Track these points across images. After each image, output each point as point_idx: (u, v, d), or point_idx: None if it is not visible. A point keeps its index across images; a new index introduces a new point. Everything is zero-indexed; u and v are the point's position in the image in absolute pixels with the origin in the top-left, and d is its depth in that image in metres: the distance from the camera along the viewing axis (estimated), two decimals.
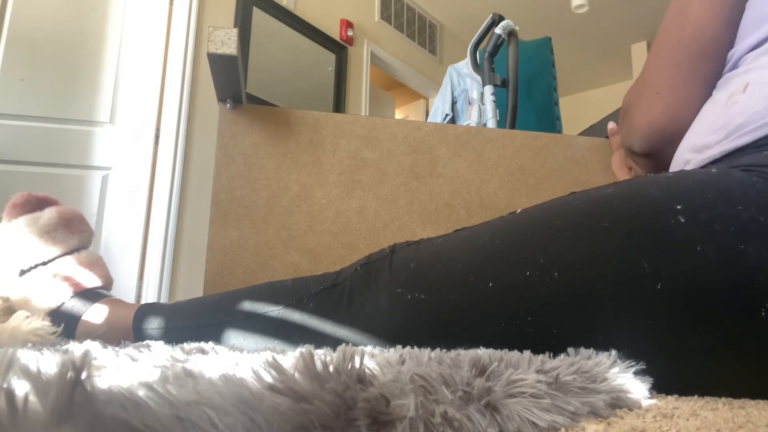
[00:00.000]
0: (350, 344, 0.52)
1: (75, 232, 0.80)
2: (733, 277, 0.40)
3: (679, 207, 0.43)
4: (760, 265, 0.39)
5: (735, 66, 0.60)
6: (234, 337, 0.65)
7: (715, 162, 0.53)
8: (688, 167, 0.57)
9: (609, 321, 0.44)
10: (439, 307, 0.52)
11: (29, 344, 0.63)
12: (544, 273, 0.46)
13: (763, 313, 0.39)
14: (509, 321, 0.48)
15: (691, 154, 0.58)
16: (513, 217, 0.54)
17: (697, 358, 0.42)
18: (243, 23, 2.83)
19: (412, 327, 0.54)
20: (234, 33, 0.95)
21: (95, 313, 0.76)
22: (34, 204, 0.81)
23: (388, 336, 0.55)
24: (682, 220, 0.42)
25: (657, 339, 0.42)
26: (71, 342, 0.67)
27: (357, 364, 0.23)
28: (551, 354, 0.40)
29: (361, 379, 0.23)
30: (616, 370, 0.36)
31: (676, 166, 0.62)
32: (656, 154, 0.66)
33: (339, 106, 3.34)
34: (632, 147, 0.69)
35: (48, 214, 0.79)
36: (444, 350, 0.45)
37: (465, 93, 2.20)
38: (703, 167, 0.55)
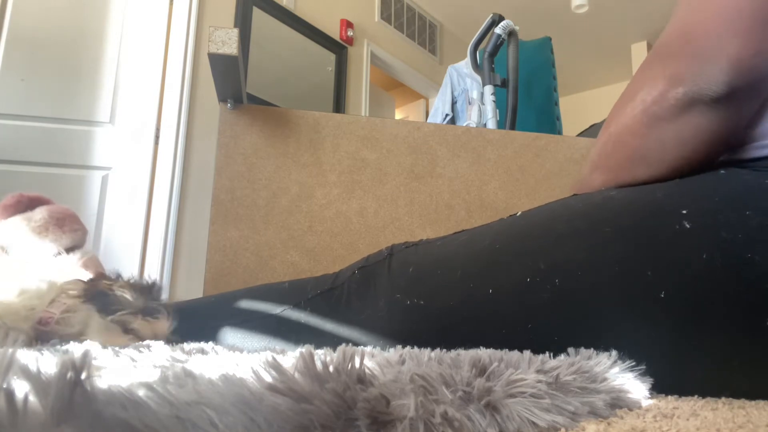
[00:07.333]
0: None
1: (67, 231, 0.80)
2: (739, 286, 0.38)
3: (684, 212, 0.41)
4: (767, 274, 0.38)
5: None
6: (231, 339, 0.64)
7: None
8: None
9: (611, 329, 0.43)
10: (439, 313, 0.51)
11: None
12: (545, 280, 0.45)
13: None
14: (509, 329, 0.47)
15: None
16: (513, 221, 0.53)
17: (700, 366, 0.41)
18: (243, 23, 2.82)
19: (411, 333, 0.53)
20: (234, 33, 0.95)
21: None
22: (26, 204, 0.81)
23: (387, 341, 0.55)
24: (688, 226, 0.41)
25: (660, 348, 0.41)
26: (70, 342, 0.67)
27: (357, 364, 0.23)
28: (551, 355, 0.40)
29: (361, 379, 0.23)
30: (616, 370, 0.35)
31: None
32: (741, 96, 0.45)
33: (339, 106, 3.33)
34: (709, 86, 0.44)
35: (39, 214, 0.79)
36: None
37: (465, 93, 2.20)
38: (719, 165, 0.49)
